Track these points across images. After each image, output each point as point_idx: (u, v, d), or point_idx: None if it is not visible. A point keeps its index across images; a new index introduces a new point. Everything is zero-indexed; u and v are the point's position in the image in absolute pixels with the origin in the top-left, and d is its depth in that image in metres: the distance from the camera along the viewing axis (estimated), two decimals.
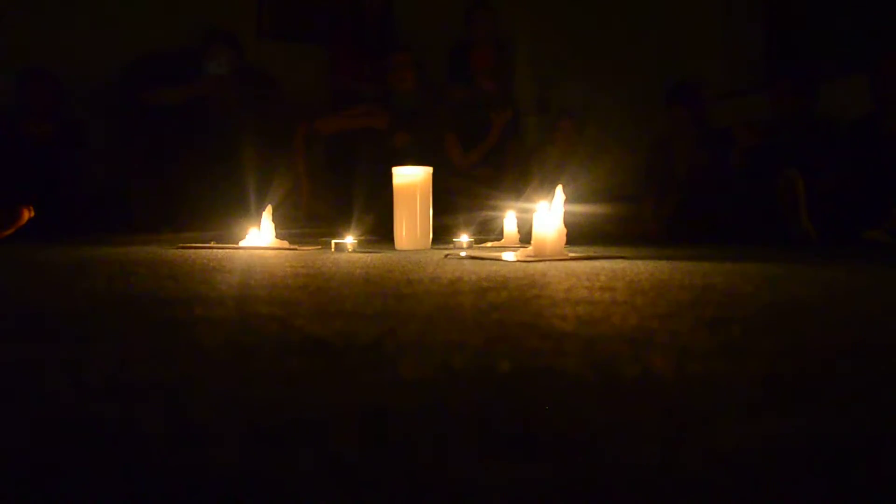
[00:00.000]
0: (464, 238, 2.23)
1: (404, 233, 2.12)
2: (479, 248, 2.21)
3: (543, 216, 1.60)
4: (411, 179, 2.13)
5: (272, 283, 1.07)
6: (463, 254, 1.79)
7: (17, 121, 3.34)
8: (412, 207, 2.12)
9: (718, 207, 3.23)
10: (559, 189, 1.60)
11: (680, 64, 4.14)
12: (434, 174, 2.18)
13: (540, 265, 1.42)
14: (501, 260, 1.57)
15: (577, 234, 2.27)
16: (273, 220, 2.14)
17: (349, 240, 1.95)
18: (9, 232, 2.40)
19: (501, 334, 0.64)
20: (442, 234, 2.47)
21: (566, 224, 1.63)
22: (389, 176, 2.18)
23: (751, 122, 3.44)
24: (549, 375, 0.49)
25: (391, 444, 0.35)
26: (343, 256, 1.74)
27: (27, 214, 2.41)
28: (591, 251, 1.93)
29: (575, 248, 1.96)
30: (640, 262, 1.50)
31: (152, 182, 3.55)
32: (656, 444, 0.35)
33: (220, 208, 3.22)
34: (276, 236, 2.14)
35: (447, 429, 0.37)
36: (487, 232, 2.95)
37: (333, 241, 1.97)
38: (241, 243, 2.11)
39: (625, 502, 0.29)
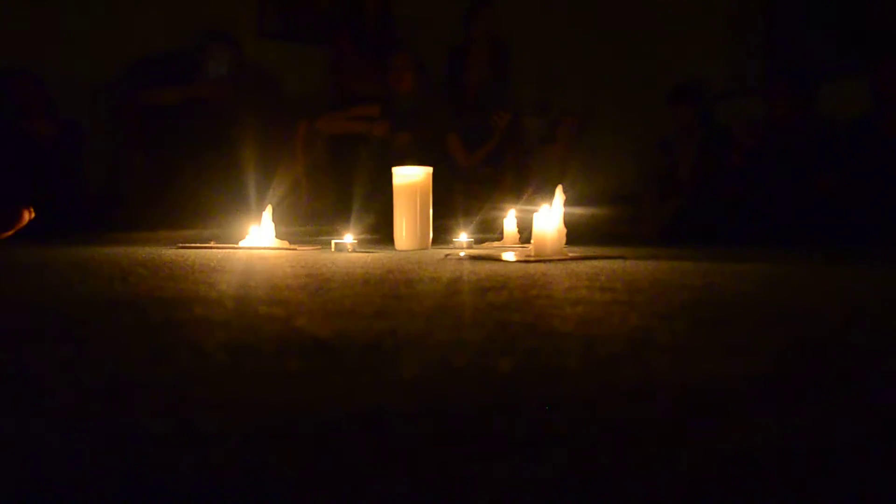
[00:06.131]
0: (464, 238, 2.22)
1: (404, 233, 2.12)
2: (479, 248, 2.21)
3: (543, 216, 1.60)
4: (411, 179, 2.13)
5: (272, 283, 1.07)
6: (463, 254, 1.79)
7: (14, 120, 3.33)
8: (412, 207, 2.12)
9: (722, 210, 3.22)
10: (559, 189, 1.60)
11: (680, 64, 4.14)
12: (434, 174, 2.18)
13: (540, 265, 1.42)
14: (501, 260, 1.57)
15: (577, 235, 2.27)
16: (273, 220, 2.14)
17: (349, 240, 1.95)
18: (9, 233, 2.40)
19: (501, 334, 0.63)
20: (442, 234, 2.47)
21: (566, 224, 1.63)
22: (389, 176, 2.18)
23: (750, 122, 3.45)
24: (549, 375, 0.49)
25: (391, 444, 0.35)
26: (343, 256, 1.74)
27: (27, 215, 2.41)
28: (591, 251, 1.93)
29: (575, 248, 1.96)
30: (640, 262, 1.50)
31: (152, 182, 3.55)
32: (656, 444, 0.35)
33: (219, 208, 3.22)
34: (276, 236, 2.14)
35: (447, 429, 0.37)
36: (487, 232, 2.95)
37: (333, 241, 1.97)
38: (241, 243, 2.11)
39: (625, 502, 0.29)
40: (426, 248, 2.12)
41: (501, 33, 3.95)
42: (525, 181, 3.64)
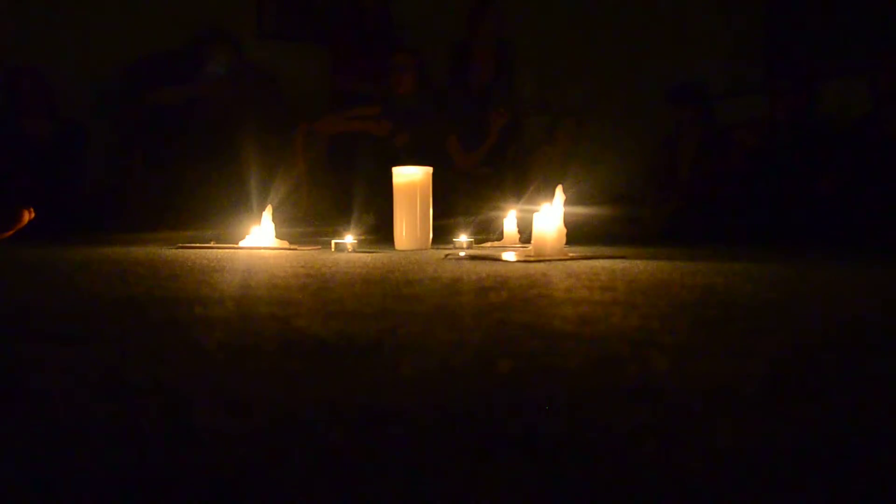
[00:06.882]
0: (464, 238, 2.22)
1: (404, 233, 2.12)
2: (479, 248, 2.21)
3: (543, 216, 1.60)
4: (411, 179, 2.13)
5: (272, 283, 1.07)
6: (463, 254, 1.79)
7: (14, 120, 3.34)
8: (412, 207, 2.11)
9: (724, 208, 3.22)
10: (559, 189, 1.60)
11: (680, 64, 4.14)
12: (434, 174, 2.18)
13: (540, 265, 1.42)
14: (501, 260, 1.57)
15: (578, 235, 2.27)
16: (273, 220, 2.14)
17: (349, 240, 1.95)
18: (9, 233, 2.40)
19: (501, 334, 0.63)
20: (442, 234, 2.47)
21: (567, 224, 1.63)
22: (389, 176, 2.18)
23: (750, 122, 3.44)
24: (549, 375, 0.49)
25: (391, 444, 0.35)
26: (343, 256, 1.74)
27: (27, 216, 2.41)
28: (591, 251, 1.93)
29: (575, 248, 1.96)
30: (640, 262, 1.50)
31: (152, 182, 3.55)
32: (656, 444, 0.35)
33: (220, 208, 3.22)
34: (277, 236, 2.14)
35: (447, 429, 0.37)
36: (487, 232, 2.95)
37: (333, 241, 1.97)
38: (241, 243, 2.11)
39: (625, 502, 0.29)
40: (426, 248, 2.12)
41: (505, 34, 3.95)
42: (525, 181, 3.64)
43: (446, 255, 1.74)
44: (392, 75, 3.63)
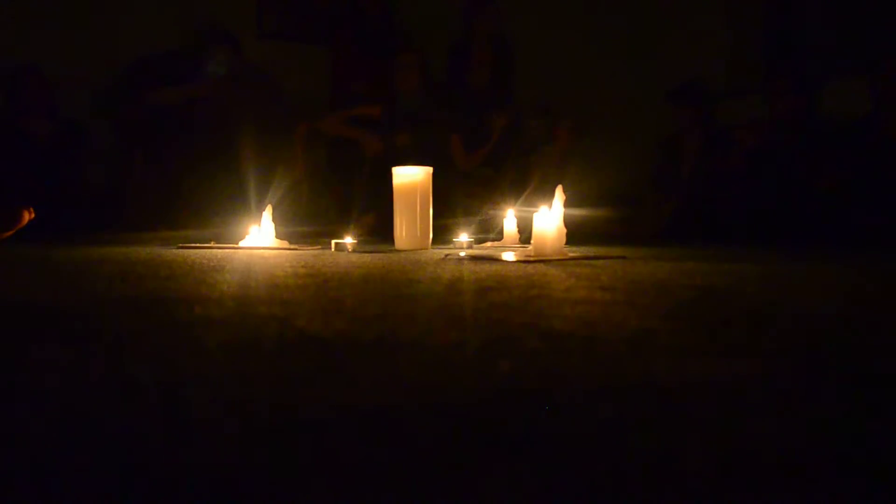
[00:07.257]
0: (464, 238, 2.22)
1: (404, 233, 2.12)
2: (479, 248, 2.21)
3: (543, 216, 1.60)
4: (411, 179, 2.13)
5: (272, 283, 1.07)
6: (463, 254, 1.79)
7: (14, 119, 3.34)
8: (412, 207, 2.11)
9: (724, 208, 3.22)
10: (559, 189, 1.60)
11: (680, 64, 4.14)
12: (434, 174, 2.18)
13: (540, 265, 1.42)
14: (501, 260, 1.57)
15: (578, 235, 2.26)
16: (273, 220, 2.14)
17: (349, 240, 1.95)
18: (9, 234, 2.40)
19: (501, 334, 0.63)
20: (442, 234, 2.47)
21: (567, 224, 1.63)
22: (389, 176, 2.18)
23: (750, 122, 3.44)
24: (548, 375, 0.49)
25: (391, 444, 0.35)
26: (343, 256, 1.74)
27: (27, 216, 2.41)
28: (591, 251, 1.93)
29: (575, 248, 1.96)
30: (640, 262, 1.50)
31: (152, 182, 3.55)
32: (656, 444, 0.35)
33: (220, 208, 3.22)
34: (276, 236, 2.14)
35: (447, 429, 0.37)
36: (487, 232, 2.95)
37: (333, 241, 1.97)
38: (241, 243, 2.11)
39: (625, 502, 0.29)
40: (426, 248, 2.12)
41: (504, 32, 3.95)
42: (525, 181, 3.64)
43: (446, 255, 1.74)
44: (398, 74, 3.63)
